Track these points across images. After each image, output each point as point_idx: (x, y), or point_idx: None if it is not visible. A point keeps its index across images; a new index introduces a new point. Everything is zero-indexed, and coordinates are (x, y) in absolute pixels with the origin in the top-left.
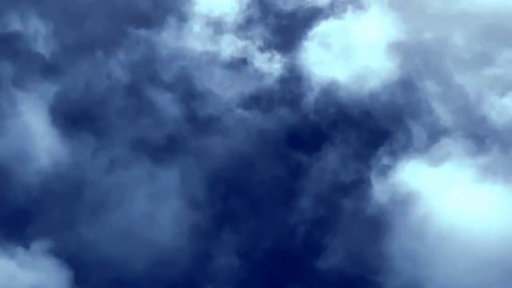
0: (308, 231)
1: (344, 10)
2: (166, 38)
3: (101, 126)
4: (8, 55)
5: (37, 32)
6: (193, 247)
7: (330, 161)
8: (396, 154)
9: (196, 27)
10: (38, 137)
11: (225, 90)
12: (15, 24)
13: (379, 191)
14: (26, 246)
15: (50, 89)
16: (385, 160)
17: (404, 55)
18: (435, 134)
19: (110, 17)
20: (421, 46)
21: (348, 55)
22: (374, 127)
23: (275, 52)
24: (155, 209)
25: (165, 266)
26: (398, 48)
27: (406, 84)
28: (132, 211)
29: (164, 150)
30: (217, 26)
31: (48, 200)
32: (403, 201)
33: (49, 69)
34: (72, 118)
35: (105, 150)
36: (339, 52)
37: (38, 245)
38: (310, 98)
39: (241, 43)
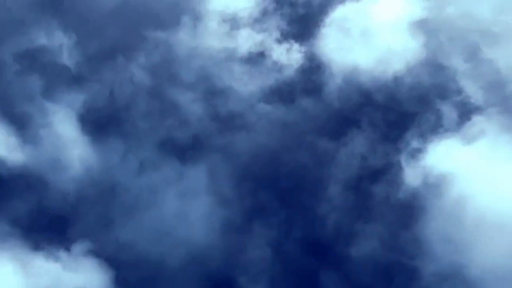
0: (339, 219)
1: None
2: (183, 38)
3: (128, 130)
4: (36, 68)
5: (62, 44)
6: (226, 242)
7: (358, 146)
8: (426, 136)
9: (212, 24)
10: (69, 145)
11: (245, 85)
12: (40, 39)
13: (411, 174)
14: (68, 249)
15: (77, 98)
16: (415, 143)
17: (428, 33)
18: (466, 112)
19: (127, 23)
20: (445, 22)
21: (368, 38)
22: (400, 110)
23: (293, 42)
24: (186, 208)
25: (199, 262)
26: (421, 27)
27: (432, 64)
28: (164, 211)
29: (190, 149)
30: (233, 22)
31: (84, 205)
32: (437, 184)
33: (75, 79)
34: (100, 124)
35: (133, 153)
36: (358, 36)
37: (79, 248)
38: (332, 86)
39: (258, 37)
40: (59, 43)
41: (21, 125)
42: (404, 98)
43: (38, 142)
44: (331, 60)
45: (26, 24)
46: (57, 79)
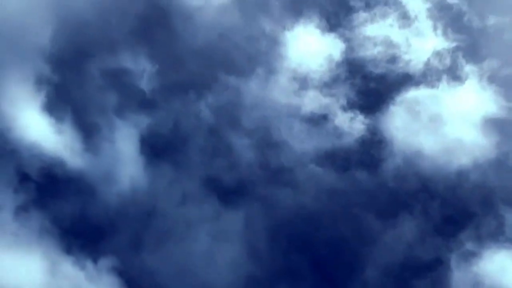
0: None
1: (438, 79)
2: (253, 87)
3: (180, 160)
4: (116, 87)
5: (144, 70)
6: None
7: (406, 232)
8: (483, 241)
9: (283, 80)
10: (125, 162)
11: (301, 143)
12: (127, 62)
13: (460, 278)
14: (95, 260)
15: (144, 120)
16: (470, 245)
17: (503, 133)
18: None
19: (206, 64)
20: None
21: (437, 126)
22: (459, 206)
23: (358, 112)
24: (215, 250)
25: None
26: (496, 125)
27: (502, 166)
28: (194, 248)
29: (233, 192)
30: (303, 81)
31: (122, 222)
32: None
33: (147, 103)
34: (157, 149)
35: (180, 183)
36: (427, 121)
37: (105, 262)
38: (390, 165)
39: (324, 100)
40: (142, 68)
41: (88, 134)
42: (466, 195)
43: (98, 152)
44: (394, 138)
45: (118, 46)
46: (131, 100)
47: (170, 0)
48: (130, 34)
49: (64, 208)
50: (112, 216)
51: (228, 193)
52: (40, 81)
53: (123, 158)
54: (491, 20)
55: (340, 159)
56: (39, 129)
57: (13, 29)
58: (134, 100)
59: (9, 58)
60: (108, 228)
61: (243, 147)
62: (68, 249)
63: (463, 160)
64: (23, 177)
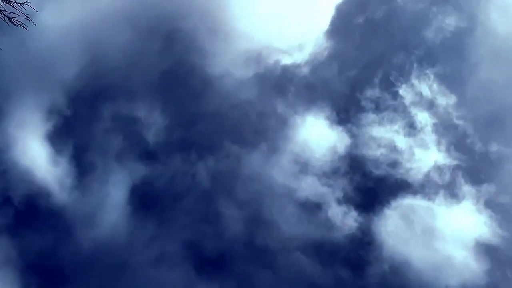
0: None
1: (436, 193)
2: (254, 161)
3: (166, 218)
4: (123, 133)
5: (153, 123)
6: None
7: None
8: None
9: (284, 160)
10: (110, 208)
11: (290, 227)
12: (140, 111)
13: None
14: None
15: (140, 170)
16: None
17: (494, 261)
18: None
19: (214, 128)
20: None
21: (429, 239)
22: None
23: (352, 208)
24: None
25: None
26: (488, 252)
27: None
28: None
29: (211, 263)
30: (303, 166)
31: (90, 270)
32: None
33: (146, 154)
34: (146, 201)
35: (160, 242)
36: (420, 232)
37: None
38: (377, 269)
39: (321, 189)
40: (152, 121)
41: (83, 172)
42: None
43: (86, 192)
44: (385, 243)
45: (136, 96)
46: (133, 148)
47: (195, 65)
48: (150, 87)
49: (36, 242)
50: (82, 261)
51: (206, 262)
52: (51, 111)
53: (110, 204)
54: (494, 147)
55: (326, 252)
56: (36, 157)
57: (43, 59)
58: (136, 149)
59: (30, 84)
60: (74, 273)
61: (232, 219)
62: (26, 287)
63: (451, 280)
64: (5, 200)
